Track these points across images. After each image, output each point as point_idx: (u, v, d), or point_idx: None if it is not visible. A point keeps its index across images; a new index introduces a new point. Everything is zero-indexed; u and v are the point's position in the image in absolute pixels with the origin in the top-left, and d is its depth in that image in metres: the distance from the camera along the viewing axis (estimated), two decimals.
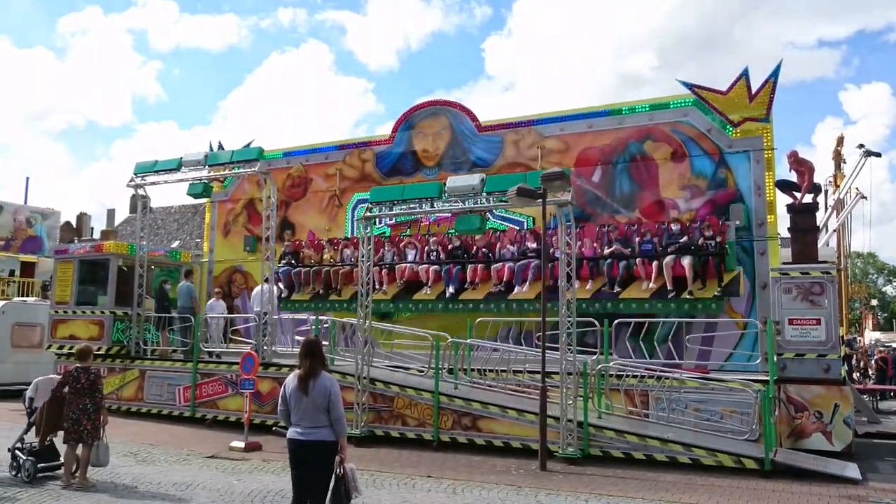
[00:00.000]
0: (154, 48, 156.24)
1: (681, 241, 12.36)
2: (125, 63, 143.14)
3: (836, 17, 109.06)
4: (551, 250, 12.39)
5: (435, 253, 14.56)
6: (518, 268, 13.45)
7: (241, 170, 14.06)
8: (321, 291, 15.34)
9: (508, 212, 14.74)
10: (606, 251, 12.94)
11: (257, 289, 14.66)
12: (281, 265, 15.79)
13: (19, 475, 8.63)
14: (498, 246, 14.06)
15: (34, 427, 8.79)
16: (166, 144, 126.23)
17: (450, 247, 14.53)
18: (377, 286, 14.32)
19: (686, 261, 12.07)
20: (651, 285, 12.41)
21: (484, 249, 14.15)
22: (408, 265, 14.55)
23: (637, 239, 12.81)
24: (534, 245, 13.59)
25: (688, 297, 12.03)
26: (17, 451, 8.78)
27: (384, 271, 14.75)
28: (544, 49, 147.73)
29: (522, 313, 13.34)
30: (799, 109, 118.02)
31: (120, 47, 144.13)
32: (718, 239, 12.16)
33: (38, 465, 8.62)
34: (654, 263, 12.40)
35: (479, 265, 13.91)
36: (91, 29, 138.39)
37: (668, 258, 12.24)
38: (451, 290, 13.97)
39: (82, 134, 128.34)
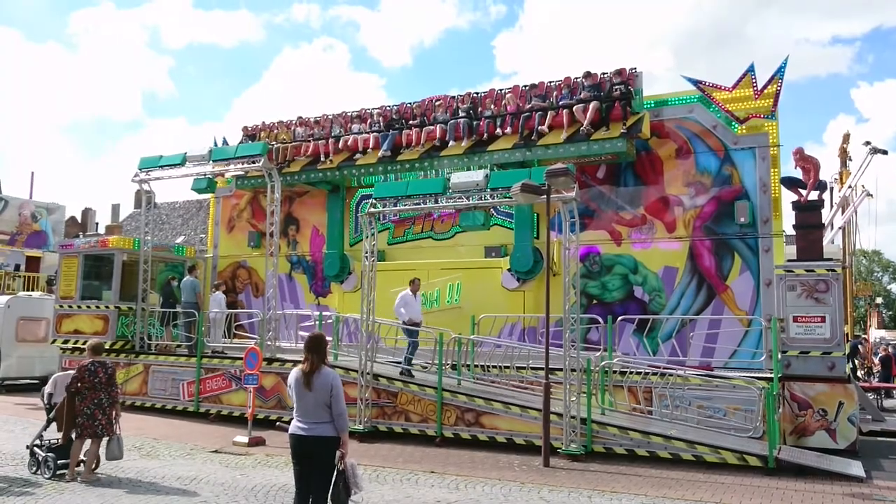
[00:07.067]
0: (167, 44, 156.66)
1: (591, 90, 13.57)
2: (137, 59, 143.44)
3: (851, 14, 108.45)
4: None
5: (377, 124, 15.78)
6: (450, 126, 14.64)
7: (245, 165, 14.09)
8: None
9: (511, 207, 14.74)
10: (527, 106, 14.13)
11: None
12: None
13: (39, 472, 8.59)
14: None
15: (53, 423, 8.78)
16: (175, 141, 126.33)
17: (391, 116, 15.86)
18: (322, 157, 15.99)
19: (592, 105, 13.16)
20: (565, 134, 13.40)
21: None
22: (352, 136, 15.85)
23: (555, 94, 14.04)
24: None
25: (591, 138, 13.10)
26: (35, 448, 8.75)
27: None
28: (555, 47, 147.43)
29: None
30: (811, 106, 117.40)
31: (132, 43, 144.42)
32: (627, 84, 13.24)
33: (59, 462, 8.56)
34: (567, 113, 13.47)
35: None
36: (104, 24, 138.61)
37: (578, 105, 13.36)
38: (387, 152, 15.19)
39: (90, 129, 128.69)
